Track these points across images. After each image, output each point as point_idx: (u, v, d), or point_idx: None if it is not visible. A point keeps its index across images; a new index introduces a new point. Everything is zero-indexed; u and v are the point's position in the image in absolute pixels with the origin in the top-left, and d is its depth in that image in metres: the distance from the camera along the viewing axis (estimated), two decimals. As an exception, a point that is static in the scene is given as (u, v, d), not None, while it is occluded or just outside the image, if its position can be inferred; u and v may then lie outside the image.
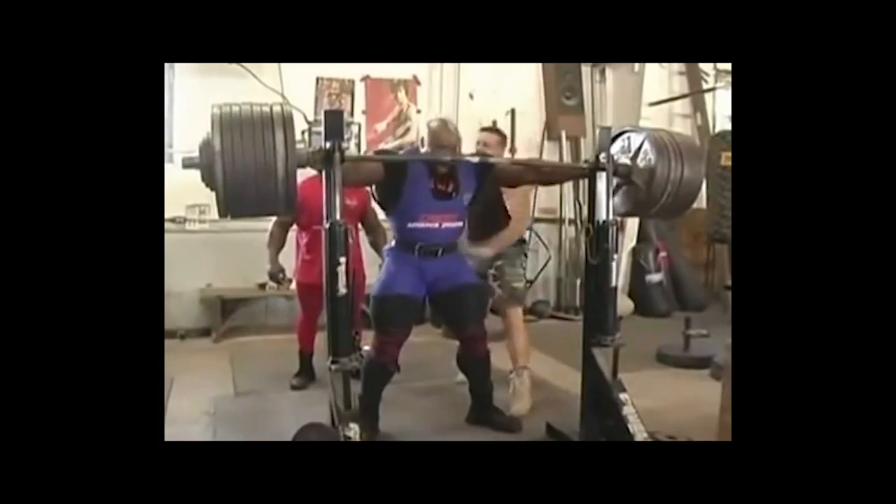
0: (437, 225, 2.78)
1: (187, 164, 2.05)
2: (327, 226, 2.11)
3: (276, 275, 3.57)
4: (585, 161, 2.78)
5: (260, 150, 1.93)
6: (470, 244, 3.15)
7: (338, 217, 2.09)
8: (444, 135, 2.77)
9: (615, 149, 2.61)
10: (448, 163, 2.75)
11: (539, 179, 3.17)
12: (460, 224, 2.86)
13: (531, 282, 5.52)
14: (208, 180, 2.00)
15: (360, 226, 3.52)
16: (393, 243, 2.89)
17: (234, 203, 2.00)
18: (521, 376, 3.12)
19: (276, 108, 2.00)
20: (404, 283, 2.78)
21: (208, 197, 2.23)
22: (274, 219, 3.55)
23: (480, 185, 2.87)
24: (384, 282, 2.82)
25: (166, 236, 3.72)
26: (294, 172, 1.99)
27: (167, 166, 4.52)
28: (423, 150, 2.81)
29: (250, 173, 1.93)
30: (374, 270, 3.25)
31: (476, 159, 2.86)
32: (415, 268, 2.79)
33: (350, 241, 2.12)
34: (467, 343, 2.89)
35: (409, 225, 2.78)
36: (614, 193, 2.59)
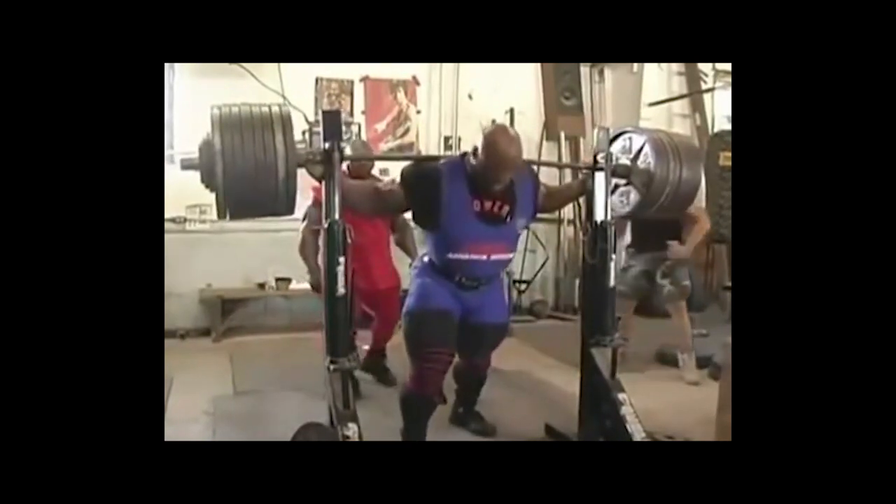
0: (484, 257, 2.34)
1: (186, 165, 2.04)
2: (326, 225, 2.11)
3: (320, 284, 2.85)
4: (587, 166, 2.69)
5: (260, 150, 1.91)
6: (633, 253, 3.77)
7: (336, 217, 2.10)
8: (507, 149, 2.22)
9: (616, 148, 2.61)
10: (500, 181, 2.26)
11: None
12: (510, 256, 2.50)
13: (529, 282, 5.53)
14: (208, 181, 1.98)
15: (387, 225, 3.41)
16: (426, 260, 2.50)
17: (235, 204, 1.99)
18: (691, 355, 3.75)
19: (276, 109, 1.99)
20: (443, 298, 2.40)
21: (208, 197, 2.23)
22: (303, 224, 3.30)
23: (537, 209, 2.51)
24: (419, 296, 2.43)
25: (166, 236, 3.73)
26: (294, 172, 1.97)
27: (167, 167, 4.57)
28: (474, 161, 2.27)
29: (250, 173, 1.90)
30: (403, 269, 3.23)
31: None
32: (452, 291, 2.42)
33: (349, 241, 2.12)
34: (470, 365, 2.72)
35: (450, 255, 2.34)
36: (613, 193, 2.61)
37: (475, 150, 2.28)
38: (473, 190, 2.29)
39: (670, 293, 3.66)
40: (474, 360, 2.70)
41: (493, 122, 5.16)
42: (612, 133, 2.64)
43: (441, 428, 2.87)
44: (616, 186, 2.62)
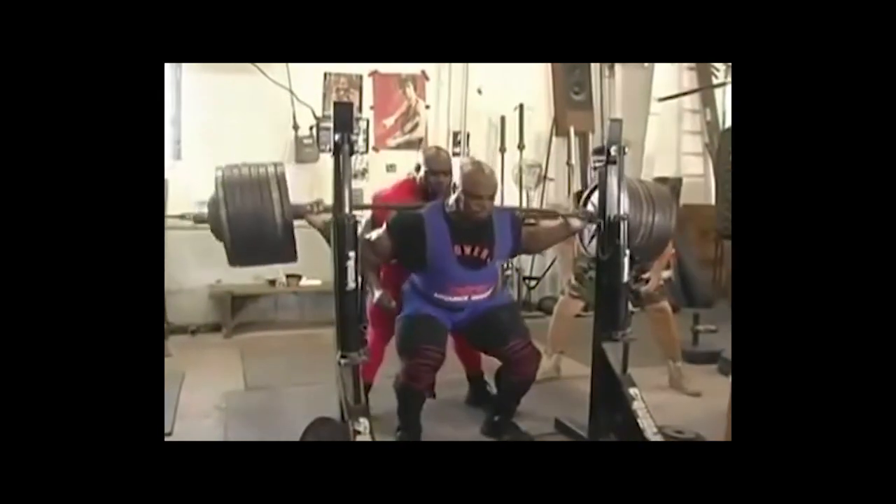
0: (465, 298, 2.54)
1: (198, 219, 2.29)
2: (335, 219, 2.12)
3: (386, 301, 2.56)
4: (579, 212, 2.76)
5: (258, 205, 2.16)
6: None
7: (346, 210, 2.09)
8: (481, 179, 2.40)
9: (594, 198, 2.67)
10: (477, 220, 2.43)
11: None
12: (490, 293, 2.63)
13: (538, 279, 5.52)
14: (217, 233, 2.22)
15: None
16: (413, 284, 2.63)
17: (241, 253, 2.23)
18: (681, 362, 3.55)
19: (271, 169, 2.22)
20: (433, 310, 2.56)
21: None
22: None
23: (517, 248, 2.66)
24: (409, 307, 2.60)
25: (176, 233, 3.76)
26: (291, 224, 2.19)
27: (176, 163, 4.61)
28: (453, 196, 2.48)
29: (252, 226, 2.16)
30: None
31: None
32: (441, 311, 2.58)
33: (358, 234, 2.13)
34: (511, 361, 2.59)
35: (436, 294, 2.55)
36: (591, 240, 2.72)
37: (453, 185, 2.53)
38: (455, 235, 2.47)
39: (648, 294, 3.35)
40: (507, 346, 2.56)
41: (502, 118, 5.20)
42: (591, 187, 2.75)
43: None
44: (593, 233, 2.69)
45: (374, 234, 2.56)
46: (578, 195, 2.90)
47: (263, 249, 2.22)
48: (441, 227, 2.46)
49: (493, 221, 2.51)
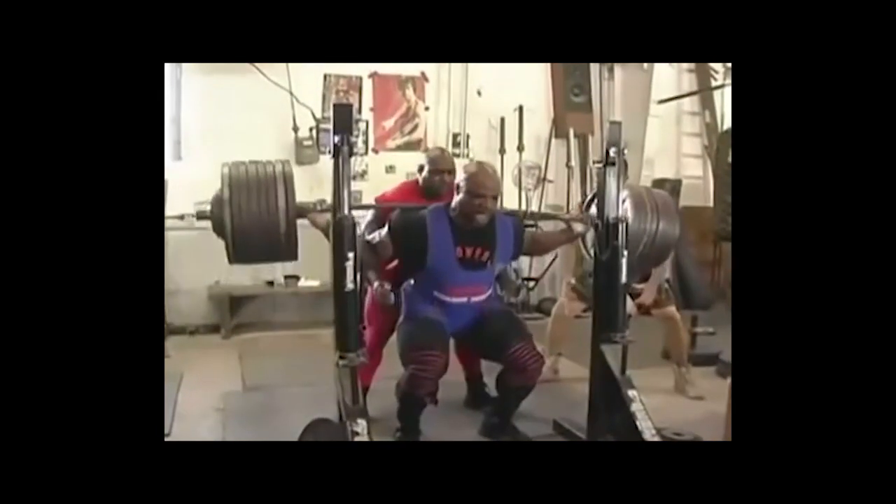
0: (465, 300, 2.54)
1: (201, 215, 2.27)
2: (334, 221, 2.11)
3: (386, 295, 2.48)
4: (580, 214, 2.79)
5: (263, 204, 2.14)
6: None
7: (345, 211, 2.10)
8: (483, 180, 2.43)
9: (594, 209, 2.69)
10: (479, 223, 2.44)
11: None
12: (489, 295, 2.64)
13: (537, 280, 5.52)
14: (219, 231, 2.20)
15: None
16: (414, 285, 2.62)
17: (241, 251, 2.20)
18: (688, 367, 3.54)
19: (279, 167, 2.21)
20: (433, 312, 2.54)
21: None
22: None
23: (519, 252, 2.66)
24: (408, 311, 2.58)
25: (175, 234, 3.75)
26: (294, 224, 2.17)
27: (176, 163, 4.61)
28: (457, 198, 2.49)
29: (255, 224, 2.14)
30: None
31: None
32: (440, 310, 2.57)
33: (357, 234, 2.13)
34: (513, 365, 2.54)
35: (435, 293, 2.54)
36: (593, 243, 2.71)
37: (457, 185, 2.49)
38: (457, 237, 2.48)
39: (656, 300, 3.40)
40: (509, 351, 2.53)
41: (501, 119, 5.20)
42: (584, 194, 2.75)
43: (448, 425, 2.88)
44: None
45: (375, 235, 2.55)
46: (586, 204, 2.90)
47: (266, 248, 2.20)
48: (444, 228, 2.48)
49: (496, 225, 2.54)
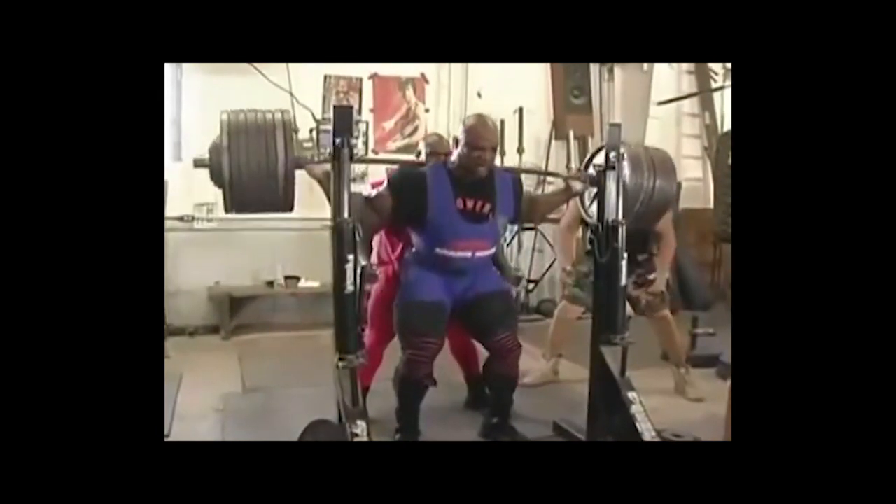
0: (468, 254, 2.51)
1: (198, 163, 2.23)
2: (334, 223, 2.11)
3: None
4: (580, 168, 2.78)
5: (262, 152, 2.10)
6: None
7: (345, 215, 2.10)
8: (482, 132, 2.44)
9: (598, 161, 2.68)
10: (479, 173, 2.44)
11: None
12: (493, 251, 2.64)
13: (537, 281, 5.52)
14: (217, 179, 2.16)
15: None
16: (413, 252, 2.63)
17: (239, 200, 2.17)
18: (687, 368, 3.55)
19: (278, 115, 2.18)
20: (430, 289, 2.54)
21: (215, 195, 2.27)
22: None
23: (518, 209, 2.62)
24: (406, 289, 2.58)
25: (175, 235, 3.75)
26: (293, 173, 2.14)
27: (176, 164, 4.61)
28: (455, 152, 2.50)
29: (254, 173, 2.10)
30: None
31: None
32: (440, 278, 2.56)
33: (357, 238, 2.12)
34: (497, 352, 2.62)
35: (437, 250, 2.51)
36: (590, 203, 2.72)
37: (455, 139, 2.50)
38: (457, 189, 2.47)
39: (649, 303, 3.38)
40: (493, 339, 2.60)
41: (502, 121, 5.19)
42: (595, 148, 2.76)
43: (448, 427, 2.88)
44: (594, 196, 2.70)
45: (374, 191, 2.55)
46: (585, 163, 2.88)
47: (263, 198, 2.17)
48: (443, 181, 2.47)
49: (495, 178, 2.54)
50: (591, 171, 2.70)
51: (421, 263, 2.58)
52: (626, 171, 2.56)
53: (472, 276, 2.61)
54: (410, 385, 2.59)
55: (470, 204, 2.49)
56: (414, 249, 2.64)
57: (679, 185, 5.50)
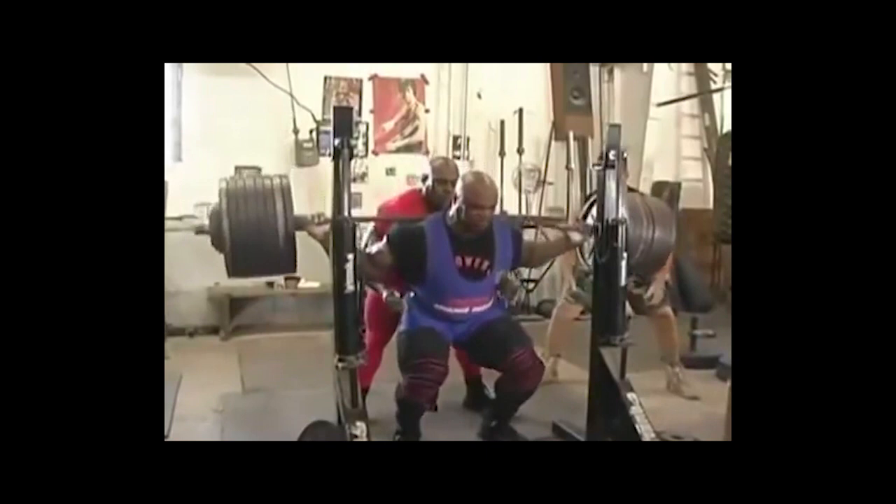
0: (466, 311, 2.52)
1: (199, 230, 2.30)
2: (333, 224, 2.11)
3: (395, 301, 2.64)
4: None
5: (262, 217, 2.15)
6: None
7: (345, 213, 2.10)
8: (481, 190, 2.41)
9: (592, 211, 2.69)
10: (478, 231, 2.43)
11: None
12: (490, 305, 2.61)
13: (536, 281, 5.51)
14: (218, 244, 2.21)
15: None
16: (412, 297, 2.59)
17: (240, 265, 2.22)
18: (681, 368, 3.56)
19: (276, 181, 2.23)
20: (433, 322, 2.53)
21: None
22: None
23: (518, 261, 2.63)
24: (408, 321, 2.56)
25: (175, 235, 3.75)
26: (293, 236, 2.18)
27: (176, 165, 4.60)
28: (454, 207, 2.46)
29: (254, 238, 2.15)
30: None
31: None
32: (440, 322, 2.54)
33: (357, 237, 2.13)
34: (514, 371, 2.53)
35: (436, 305, 2.52)
36: (590, 252, 2.71)
37: (454, 196, 2.47)
38: (455, 247, 2.47)
39: (649, 303, 3.36)
40: (511, 357, 2.51)
41: (501, 122, 5.20)
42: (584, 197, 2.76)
43: (447, 427, 2.88)
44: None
45: (374, 248, 2.54)
46: (583, 213, 2.88)
47: (264, 262, 2.22)
48: (442, 238, 2.47)
49: (494, 233, 2.53)
50: (590, 221, 2.67)
51: (420, 309, 2.57)
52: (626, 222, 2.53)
53: (471, 322, 2.59)
54: (411, 406, 2.55)
55: (469, 262, 2.48)
56: (412, 295, 2.60)
57: (679, 186, 5.53)
